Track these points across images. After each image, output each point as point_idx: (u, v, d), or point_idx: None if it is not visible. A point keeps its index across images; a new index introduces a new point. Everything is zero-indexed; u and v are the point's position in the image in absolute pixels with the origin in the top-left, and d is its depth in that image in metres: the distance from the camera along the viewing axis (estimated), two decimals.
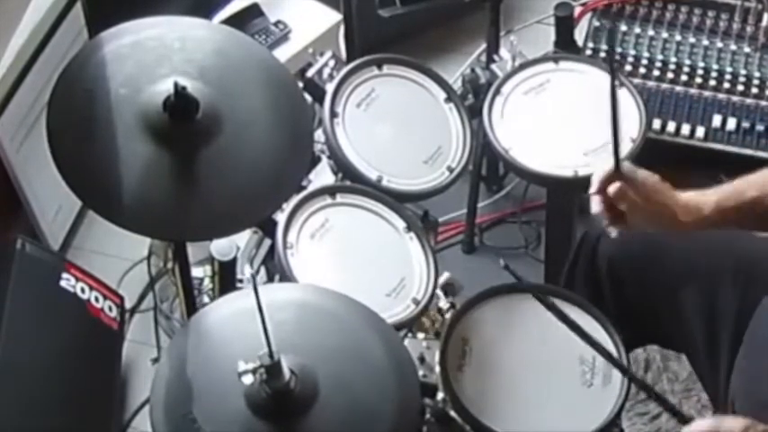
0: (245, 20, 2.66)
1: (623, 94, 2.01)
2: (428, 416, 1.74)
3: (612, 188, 1.64)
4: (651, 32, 2.24)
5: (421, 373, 1.75)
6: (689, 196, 1.70)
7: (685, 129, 2.12)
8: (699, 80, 2.16)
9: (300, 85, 1.98)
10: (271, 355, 1.37)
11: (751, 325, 1.77)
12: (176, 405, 1.46)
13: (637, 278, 1.91)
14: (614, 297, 1.88)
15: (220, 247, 1.89)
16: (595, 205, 1.68)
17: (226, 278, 1.92)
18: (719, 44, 2.21)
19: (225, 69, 1.68)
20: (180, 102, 1.57)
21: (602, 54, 2.20)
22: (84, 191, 1.58)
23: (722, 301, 1.84)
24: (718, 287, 1.85)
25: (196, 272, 2.22)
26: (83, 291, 2.34)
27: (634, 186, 1.65)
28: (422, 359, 1.78)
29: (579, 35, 2.22)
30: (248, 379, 1.38)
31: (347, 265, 1.82)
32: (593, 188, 1.67)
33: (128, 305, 2.53)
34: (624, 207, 1.65)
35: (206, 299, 2.28)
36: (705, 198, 1.69)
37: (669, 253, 1.90)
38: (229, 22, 2.58)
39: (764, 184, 1.69)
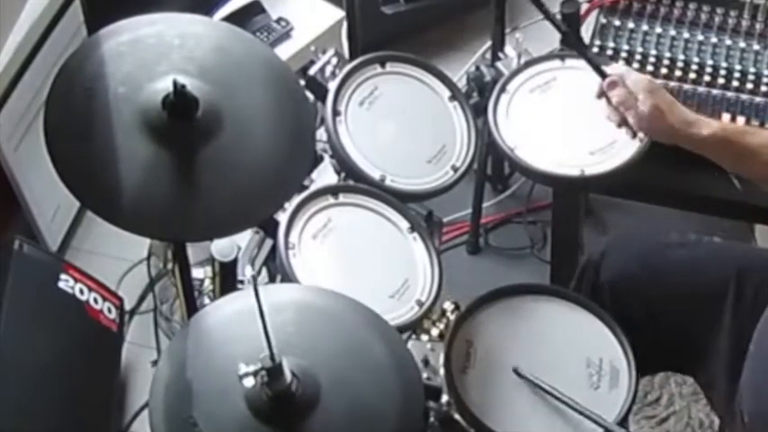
0: (246, 17, 2.66)
1: None
2: (432, 419, 1.72)
3: (606, 81, 1.88)
4: (659, 30, 2.21)
5: (425, 375, 1.74)
6: (690, 113, 1.86)
7: None
8: (707, 78, 2.14)
9: (302, 83, 1.96)
10: (272, 357, 1.36)
11: (757, 334, 1.75)
12: (176, 408, 1.44)
13: (639, 303, 1.91)
14: (618, 323, 1.86)
15: (221, 247, 1.87)
16: (607, 112, 1.89)
17: (226, 279, 1.91)
18: (728, 41, 2.18)
19: (225, 67, 1.67)
20: (179, 100, 1.56)
21: (610, 52, 2.18)
22: (81, 191, 1.57)
23: (724, 321, 1.84)
24: (720, 307, 1.85)
25: (196, 273, 2.20)
26: (81, 292, 2.33)
27: (624, 81, 1.86)
28: (426, 361, 1.77)
29: (586, 32, 2.20)
30: (249, 381, 1.36)
31: (350, 266, 1.80)
32: (596, 95, 1.90)
33: (127, 306, 2.53)
34: (615, 99, 1.86)
35: (206, 300, 2.26)
36: (707, 121, 1.84)
37: (669, 276, 1.91)
38: (231, 19, 2.58)
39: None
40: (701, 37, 2.21)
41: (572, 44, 1.99)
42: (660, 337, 1.90)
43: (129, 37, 1.66)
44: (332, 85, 1.95)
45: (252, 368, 1.35)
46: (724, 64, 2.16)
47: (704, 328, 1.87)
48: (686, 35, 2.21)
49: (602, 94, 1.90)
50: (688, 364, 1.95)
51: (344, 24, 2.62)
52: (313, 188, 1.86)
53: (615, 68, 1.92)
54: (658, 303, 1.90)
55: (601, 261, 1.97)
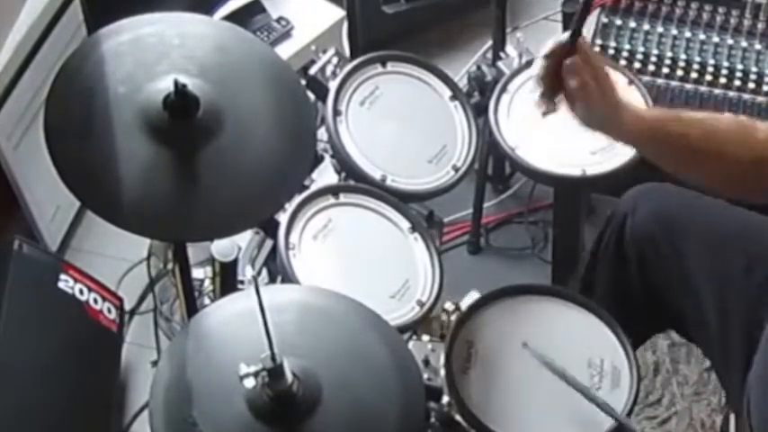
0: (246, 16, 2.65)
1: (632, 91, 1.99)
2: (433, 420, 1.72)
3: (570, 60, 1.55)
4: (660, 29, 2.22)
5: (426, 376, 1.74)
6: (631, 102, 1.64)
7: None
8: (709, 77, 2.14)
9: (303, 82, 1.96)
10: (273, 357, 1.35)
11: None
12: (176, 408, 1.44)
13: (660, 260, 1.87)
14: (639, 277, 1.84)
15: (221, 247, 1.86)
16: (538, 68, 1.58)
17: (227, 279, 1.90)
18: (730, 41, 2.19)
19: (225, 66, 1.67)
20: (180, 100, 1.55)
21: (611, 51, 2.18)
22: (82, 190, 1.56)
23: (736, 291, 1.81)
24: (733, 274, 1.82)
25: (196, 273, 2.20)
26: (81, 292, 2.32)
27: (589, 65, 1.57)
28: (426, 362, 1.76)
29: (587, 32, 2.20)
30: (250, 382, 1.35)
31: (350, 266, 1.79)
32: (545, 51, 1.58)
33: (127, 307, 2.51)
34: (573, 83, 1.56)
35: (206, 300, 2.26)
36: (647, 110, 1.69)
37: (692, 235, 1.85)
38: (231, 18, 2.56)
39: (709, 126, 1.61)
40: (702, 36, 2.21)
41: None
42: (674, 298, 1.86)
43: (129, 36, 1.65)
44: (332, 85, 1.95)
45: (253, 369, 1.35)
46: (726, 63, 2.16)
47: (720, 308, 1.84)
48: (688, 34, 2.21)
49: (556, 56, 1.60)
50: (698, 331, 1.91)
51: (345, 24, 2.61)
52: (313, 188, 1.86)
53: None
54: (677, 265, 1.84)
55: (627, 216, 1.90)
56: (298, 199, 1.80)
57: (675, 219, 1.86)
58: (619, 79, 2.01)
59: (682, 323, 1.94)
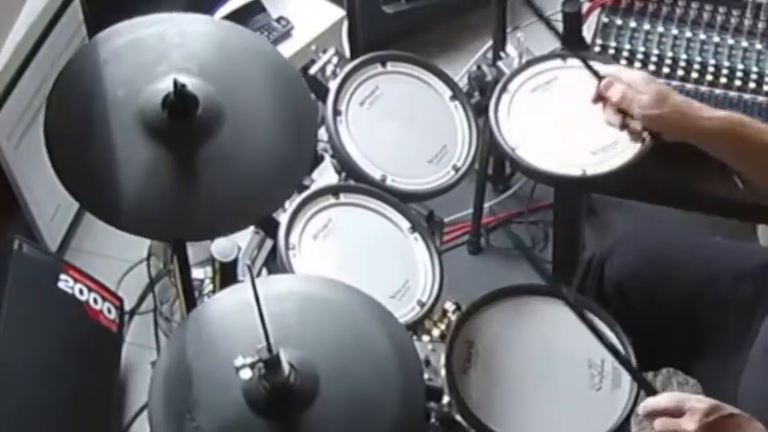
0: (246, 16, 2.65)
1: None
2: (433, 420, 1.71)
3: (612, 91, 1.85)
4: (661, 29, 2.21)
5: (426, 376, 1.73)
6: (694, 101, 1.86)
7: None
8: (709, 77, 2.13)
9: None
10: (269, 348, 1.34)
11: (758, 341, 1.75)
12: (175, 403, 1.43)
13: (644, 301, 1.91)
14: (623, 320, 1.86)
15: (221, 247, 1.86)
16: (608, 116, 1.87)
17: (226, 279, 1.90)
18: (730, 41, 2.18)
19: (226, 65, 1.67)
20: (179, 99, 1.55)
21: (612, 51, 2.17)
22: (82, 193, 1.56)
23: (728, 321, 1.83)
24: (724, 308, 1.85)
25: (196, 273, 2.20)
26: (81, 292, 2.33)
27: (619, 80, 1.85)
28: (427, 362, 1.76)
29: (588, 32, 2.20)
30: (246, 374, 1.35)
31: (351, 266, 1.79)
32: (592, 99, 1.89)
33: (127, 307, 2.52)
34: (614, 99, 1.85)
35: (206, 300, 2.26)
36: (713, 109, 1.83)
37: (674, 276, 1.91)
38: (231, 18, 2.57)
39: None
40: (703, 36, 2.20)
41: (569, 46, 1.98)
42: (663, 335, 1.90)
43: (129, 39, 1.65)
44: (332, 85, 1.94)
45: (249, 360, 1.34)
46: (726, 63, 2.16)
47: (707, 328, 1.86)
48: (688, 34, 2.21)
49: (599, 98, 1.89)
50: (690, 363, 1.95)
51: (345, 23, 2.61)
52: (314, 188, 1.85)
53: (608, 68, 1.91)
54: (663, 302, 1.89)
55: (606, 259, 1.97)
56: (298, 199, 1.80)
57: (657, 253, 1.93)
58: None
59: (671, 359, 1.96)
